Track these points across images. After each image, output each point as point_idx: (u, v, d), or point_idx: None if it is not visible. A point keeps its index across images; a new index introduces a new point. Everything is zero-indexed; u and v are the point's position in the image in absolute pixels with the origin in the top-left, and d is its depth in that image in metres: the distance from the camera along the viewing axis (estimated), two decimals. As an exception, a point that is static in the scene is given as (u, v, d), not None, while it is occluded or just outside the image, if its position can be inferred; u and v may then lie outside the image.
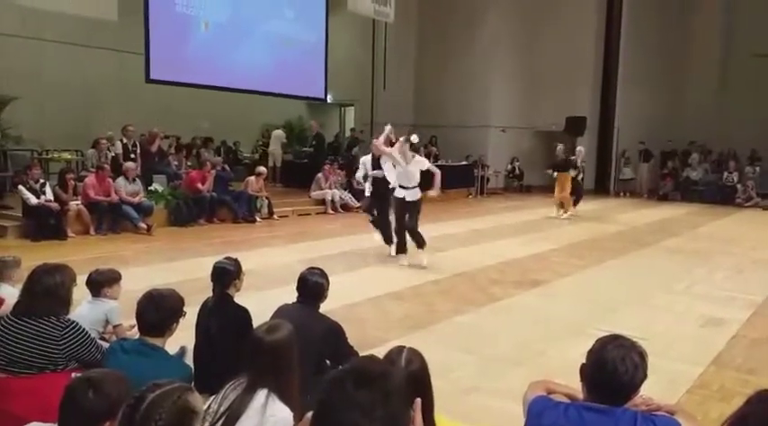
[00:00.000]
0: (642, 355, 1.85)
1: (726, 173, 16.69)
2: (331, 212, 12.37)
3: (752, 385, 3.63)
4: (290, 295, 3.28)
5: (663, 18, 18.00)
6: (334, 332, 3.14)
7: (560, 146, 12.84)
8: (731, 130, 17.20)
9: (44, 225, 8.39)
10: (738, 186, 16.21)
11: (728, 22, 18.02)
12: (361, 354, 3.20)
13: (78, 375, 2.03)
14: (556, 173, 12.51)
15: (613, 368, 1.80)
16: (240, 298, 3.47)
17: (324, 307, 3.30)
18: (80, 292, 3.30)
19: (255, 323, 2.86)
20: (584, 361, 1.91)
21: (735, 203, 15.77)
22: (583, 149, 13.35)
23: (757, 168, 16.61)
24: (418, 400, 1.16)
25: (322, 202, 12.53)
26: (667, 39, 17.97)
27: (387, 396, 1.04)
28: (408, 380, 1.89)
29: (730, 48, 17.95)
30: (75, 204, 8.90)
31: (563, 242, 9.37)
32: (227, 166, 11.68)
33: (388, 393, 1.05)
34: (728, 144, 17.35)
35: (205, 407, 2.19)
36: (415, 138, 7.56)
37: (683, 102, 18.32)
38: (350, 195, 13.00)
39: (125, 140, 10.57)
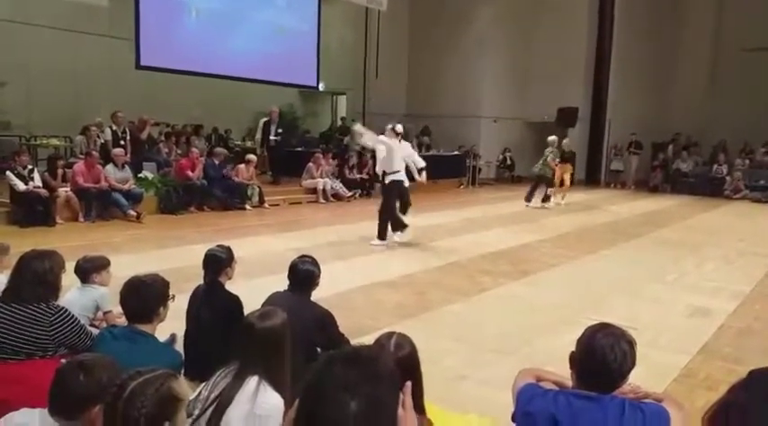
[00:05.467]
0: (631, 343, 1.87)
1: (715, 166, 16.79)
2: (322, 201, 12.35)
3: (738, 374, 3.65)
4: (281, 283, 3.27)
5: (655, 12, 18.02)
6: (325, 319, 3.14)
7: (566, 140, 13.46)
8: (722, 123, 17.31)
9: (33, 211, 8.32)
10: (727, 178, 16.32)
11: (719, 16, 18.07)
12: (352, 342, 3.21)
13: (69, 359, 2.02)
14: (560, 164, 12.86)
15: (602, 356, 1.81)
16: (231, 286, 3.47)
17: (315, 295, 3.30)
18: (69, 279, 3.28)
19: (246, 310, 2.85)
20: (573, 349, 1.92)
21: (724, 195, 15.88)
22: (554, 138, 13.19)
23: (746, 161, 16.74)
24: (408, 383, 1.16)
25: (313, 191, 12.50)
26: (659, 31, 18.00)
27: (374, 378, 1.05)
28: (397, 365, 1.90)
29: (721, 42, 18.01)
30: (63, 191, 8.82)
31: (553, 232, 9.41)
32: (216, 160, 11.01)
33: (375, 375, 1.06)
34: (719, 136, 17.45)
35: (195, 394, 2.19)
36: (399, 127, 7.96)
37: (675, 94, 18.40)
38: (341, 184, 12.98)
39: (114, 127, 10.48)
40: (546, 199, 12.70)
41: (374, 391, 1.04)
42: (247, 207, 10.98)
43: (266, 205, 11.28)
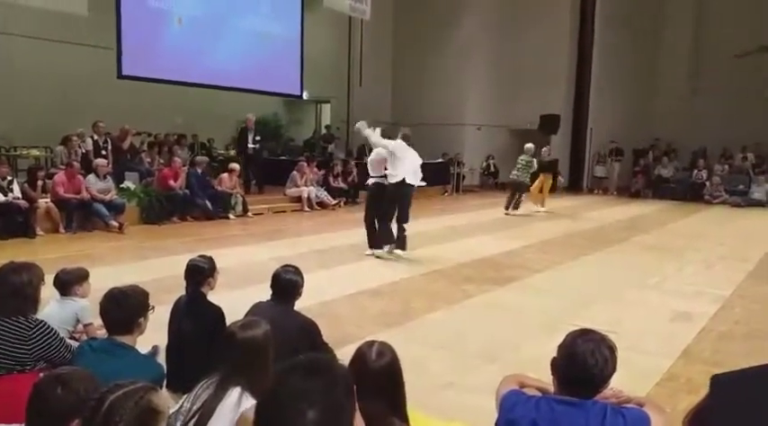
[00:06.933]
0: (612, 348, 1.88)
1: (695, 171, 17.03)
2: (307, 209, 12.31)
3: (719, 377, 3.70)
4: (264, 293, 3.26)
5: (636, 19, 18.27)
6: (308, 329, 3.14)
7: (546, 149, 13.50)
8: (701, 129, 17.56)
9: (12, 223, 8.21)
10: (707, 183, 16.56)
11: (698, 24, 18.36)
12: (336, 351, 3.21)
13: (47, 373, 1.99)
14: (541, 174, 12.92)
15: (583, 362, 1.82)
16: (214, 297, 3.44)
17: (299, 304, 3.28)
18: (48, 291, 3.24)
19: (229, 321, 2.83)
20: (555, 355, 1.94)
21: (704, 200, 16.10)
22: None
23: (725, 166, 17.00)
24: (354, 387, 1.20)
25: (298, 200, 12.46)
26: (640, 39, 18.25)
27: (330, 386, 1.09)
28: (379, 373, 1.90)
29: (700, 49, 18.30)
30: (44, 201, 8.71)
31: (536, 238, 9.47)
32: (198, 169, 11.01)
33: (332, 383, 1.09)
34: (699, 142, 17.71)
35: (177, 406, 2.17)
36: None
37: (655, 101, 18.66)
38: (326, 192, 12.97)
39: (96, 137, 10.39)
40: (517, 206, 12.65)
41: (331, 399, 1.07)
42: (231, 216, 10.92)
43: (250, 214, 11.23)
